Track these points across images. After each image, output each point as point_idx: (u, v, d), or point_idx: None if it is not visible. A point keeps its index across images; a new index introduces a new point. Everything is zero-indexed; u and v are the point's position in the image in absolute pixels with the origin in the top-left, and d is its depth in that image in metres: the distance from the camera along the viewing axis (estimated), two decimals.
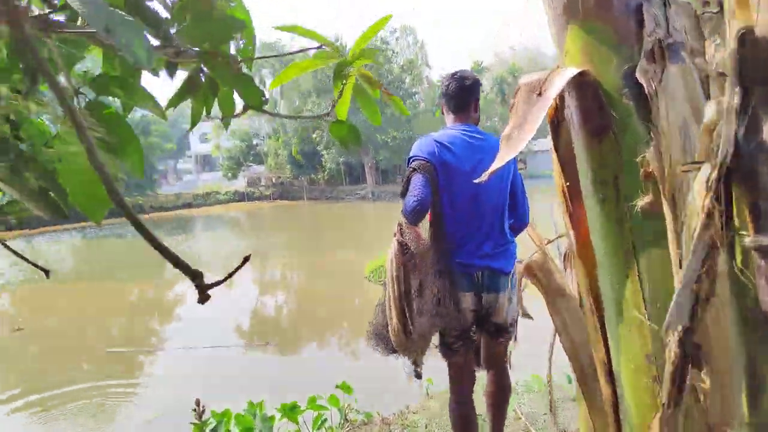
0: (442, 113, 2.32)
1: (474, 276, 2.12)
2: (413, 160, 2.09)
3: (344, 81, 1.33)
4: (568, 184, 1.14)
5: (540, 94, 1.04)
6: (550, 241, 1.22)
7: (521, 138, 1.05)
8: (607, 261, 1.00)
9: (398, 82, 32.05)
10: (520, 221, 2.30)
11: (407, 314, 2.05)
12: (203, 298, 0.65)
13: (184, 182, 50.84)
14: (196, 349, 6.01)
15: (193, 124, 1.18)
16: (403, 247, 2.09)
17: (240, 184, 41.06)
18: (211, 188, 38.41)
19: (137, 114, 29.38)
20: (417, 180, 2.01)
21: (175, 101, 1.12)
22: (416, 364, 2.23)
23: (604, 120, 0.98)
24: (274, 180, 39.01)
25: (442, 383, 3.78)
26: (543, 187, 38.66)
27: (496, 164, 1.08)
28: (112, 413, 4.57)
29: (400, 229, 2.11)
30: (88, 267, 13.61)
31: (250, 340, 6.49)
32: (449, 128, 2.22)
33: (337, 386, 3.22)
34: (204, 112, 1.18)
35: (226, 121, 1.24)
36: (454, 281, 2.07)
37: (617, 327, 1.00)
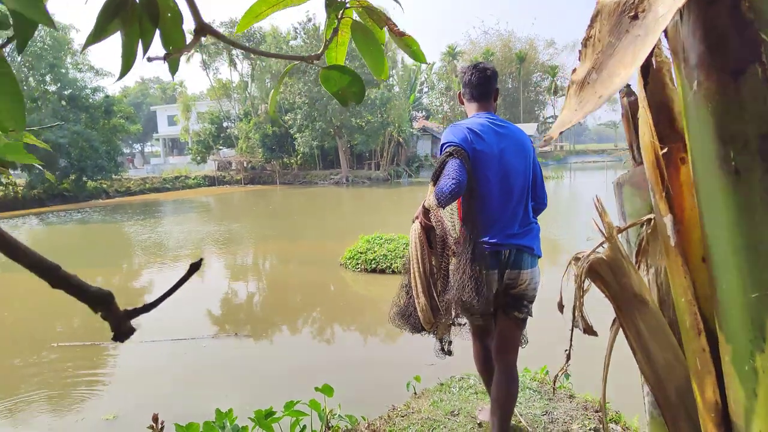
0: (461, 103, 2.43)
1: (502, 254, 2.23)
2: (447, 146, 2.15)
3: (339, 14, 0.96)
4: (665, 149, 0.81)
5: (636, 16, 0.71)
6: (621, 230, 0.89)
7: (609, 82, 0.71)
8: (740, 261, 0.68)
9: None
10: (540, 203, 2.42)
11: (433, 293, 2.20)
12: (121, 334, 0.49)
13: (151, 166, 49.32)
14: (157, 342, 5.60)
15: (126, 66, 0.81)
16: (426, 229, 2.22)
17: (210, 168, 40.03)
18: (179, 172, 37.33)
19: (99, 95, 28.22)
20: (453, 164, 2.07)
21: (97, 33, 0.75)
22: (442, 341, 2.39)
23: (745, 49, 0.65)
24: (245, 164, 38.11)
25: (429, 381, 3.49)
26: None
27: (562, 123, 0.76)
28: (60, 415, 4.15)
29: (425, 211, 2.20)
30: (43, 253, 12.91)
31: (221, 330, 6.09)
32: (476, 116, 2.31)
33: (317, 389, 2.89)
34: (141, 51, 0.81)
35: (173, 61, 0.87)
36: (485, 260, 2.16)
37: (750, 357, 0.68)
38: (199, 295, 7.93)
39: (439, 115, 46.02)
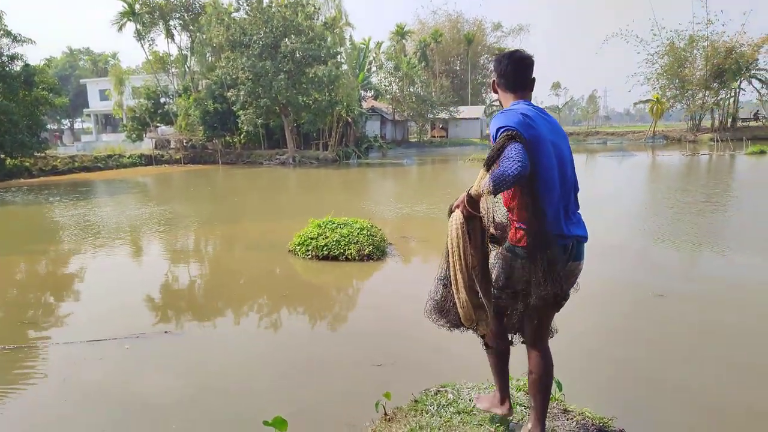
0: (495, 92, 2.38)
1: (568, 246, 2.22)
2: (504, 130, 2.05)
3: None
4: None
5: None
6: None
7: None
8: None
9: (320, 40, 30.24)
10: (576, 191, 2.36)
11: (476, 288, 2.17)
12: None
13: (82, 144, 46.14)
14: (74, 344, 4.80)
15: None
16: (468, 219, 2.15)
17: (146, 146, 37.77)
18: (113, 150, 34.98)
19: (17, 64, 25.70)
20: (515, 147, 1.96)
21: None
22: (483, 336, 2.37)
23: None
24: (184, 142, 36.15)
25: (400, 398, 2.97)
26: (467, 151, 38.55)
27: None
28: None
29: (470, 200, 2.11)
30: None
31: (153, 325, 5.33)
32: (517, 104, 2.25)
33: (266, 423, 2.30)
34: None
35: None
36: (555, 251, 2.14)
37: None
38: (127, 286, 7.07)
39: (388, 95, 45.34)
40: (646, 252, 8.20)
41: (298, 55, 29.33)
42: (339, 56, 34.07)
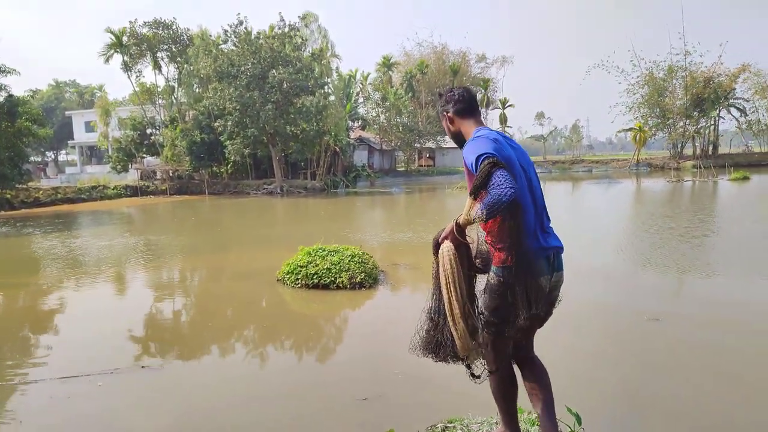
0: (451, 123, 2.45)
1: (550, 258, 2.27)
2: (485, 156, 2.06)
3: None
4: None
5: None
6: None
7: None
8: None
9: (307, 71, 30.45)
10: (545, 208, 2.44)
11: (473, 315, 2.20)
12: None
13: (66, 176, 45.56)
14: (42, 382, 4.46)
15: None
16: (458, 247, 2.19)
17: (132, 177, 37.36)
18: (97, 182, 34.49)
19: (0, 96, 25.43)
20: (502, 174, 1.97)
21: None
22: (470, 367, 2.35)
23: None
24: (171, 173, 35.83)
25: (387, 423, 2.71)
26: (454, 180, 38.82)
27: None
28: None
29: (458, 228, 2.15)
30: None
31: (132, 360, 4.99)
32: (484, 130, 2.32)
33: None
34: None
35: None
36: (540, 267, 2.21)
37: None
38: (106, 320, 6.71)
39: (376, 125, 45.62)
40: (635, 276, 8.07)
41: (285, 85, 29.45)
42: (326, 87, 34.31)
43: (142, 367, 4.80)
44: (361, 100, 49.46)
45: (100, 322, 6.56)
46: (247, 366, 4.98)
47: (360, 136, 45.06)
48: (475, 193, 2.00)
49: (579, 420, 2.63)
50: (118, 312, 7.20)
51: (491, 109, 61.42)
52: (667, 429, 3.43)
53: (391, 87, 47.53)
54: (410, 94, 49.07)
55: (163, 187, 34.87)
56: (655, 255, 9.46)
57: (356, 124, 46.84)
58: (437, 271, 2.25)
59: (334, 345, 5.73)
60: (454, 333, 2.14)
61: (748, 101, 44.81)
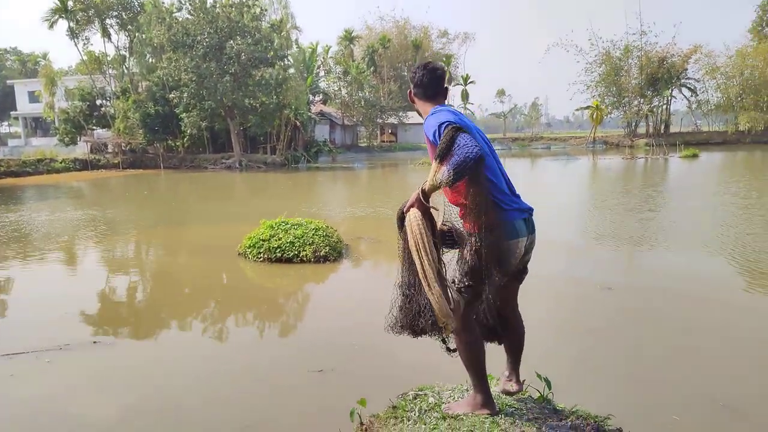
0: (412, 101, 2.50)
1: (528, 219, 2.32)
2: (447, 124, 2.11)
3: None
4: None
5: None
6: None
7: None
8: None
9: (267, 42, 29.55)
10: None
11: (446, 280, 2.22)
12: None
13: (9, 148, 43.10)
14: None
15: None
16: (425, 214, 2.19)
17: (81, 150, 35.67)
18: (43, 155, 32.77)
19: None
20: (465, 136, 2.03)
21: None
22: (445, 341, 2.37)
23: None
24: (123, 146, 34.39)
25: (376, 405, 2.66)
26: (416, 156, 38.91)
27: None
28: None
29: (423, 195, 2.16)
30: None
31: (83, 336, 4.76)
32: (439, 107, 2.36)
33: None
34: None
35: None
36: (517, 229, 2.25)
37: None
38: (55, 295, 6.39)
39: (338, 100, 44.96)
40: (590, 249, 8.29)
41: (243, 56, 28.50)
42: (286, 59, 33.43)
43: (94, 342, 4.59)
44: (322, 73, 48.53)
45: (49, 299, 6.23)
46: (204, 341, 4.83)
47: (321, 110, 44.34)
48: (441, 157, 2.03)
49: (549, 385, 2.64)
50: (68, 288, 6.88)
51: (453, 86, 61.45)
52: (619, 390, 3.54)
53: (353, 61, 46.80)
54: (372, 69, 48.48)
55: (116, 161, 33.47)
56: (608, 229, 9.73)
57: (317, 98, 46.01)
58: (406, 241, 2.23)
59: (294, 318, 5.64)
60: (431, 298, 2.12)
61: (698, 81, 46.37)
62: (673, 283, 6.16)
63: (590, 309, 5.37)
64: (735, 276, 6.61)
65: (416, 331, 2.28)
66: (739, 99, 42.73)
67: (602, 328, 4.83)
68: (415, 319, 2.23)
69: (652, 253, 7.86)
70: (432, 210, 2.19)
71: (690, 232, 9.19)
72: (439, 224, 2.26)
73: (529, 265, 2.41)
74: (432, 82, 2.40)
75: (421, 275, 2.15)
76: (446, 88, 2.48)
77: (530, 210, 2.34)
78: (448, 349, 2.39)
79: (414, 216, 2.18)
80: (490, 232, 2.15)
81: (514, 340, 2.54)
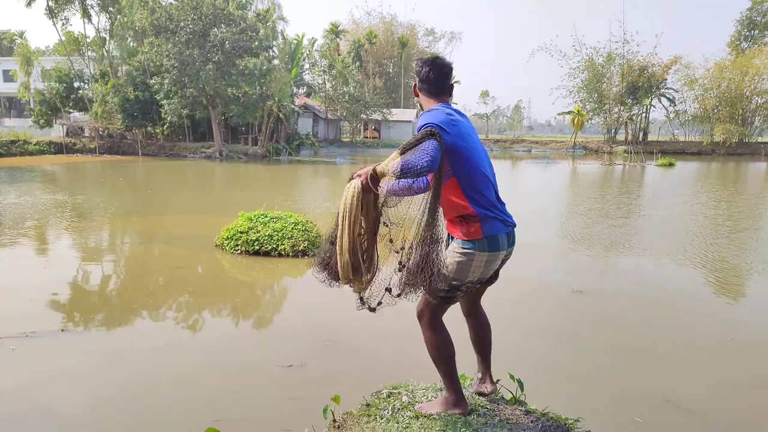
0: (416, 95, 2.46)
1: (509, 232, 2.34)
2: (428, 126, 2.13)
3: None
4: None
5: None
6: None
7: None
8: None
9: (252, 32, 29.22)
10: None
11: (359, 253, 2.26)
12: None
13: None
14: None
15: None
16: (365, 190, 2.21)
17: (57, 134, 34.86)
18: (17, 136, 31.94)
19: None
20: (432, 144, 2.03)
21: None
22: (362, 300, 2.39)
23: None
24: (100, 131, 33.71)
25: (349, 402, 2.66)
26: None
27: None
28: None
29: (372, 175, 2.16)
30: None
31: (56, 323, 4.66)
32: (439, 106, 2.33)
33: None
34: None
35: None
36: (501, 242, 2.27)
37: None
38: (23, 282, 6.24)
39: (322, 93, 44.71)
40: (564, 252, 8.42)
41: (228, 45, 28.16)
42: (271, 49, 33.11)
43: (62, 330, 4.49)
44: (307, 66, 48.21)
45: (16, 286, 6.08)
46: (174, 333, 4.75)
47: (305, 103, 44.04)
48: (404, 150, 2.07)
49: (521, 386, 2.68)
50: (35, 276, 6.71)
51: None
52: (584, 391, 3.61)
53: (339, 55, 46.57)
54: (357, 64, 48.35)
55: (92, 146, 32.81)
56: (582, 233, 9.88)
57: (301, 91, 45.71)
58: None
59: (268, 313, 5.60)
60: (339, 261, 2.24)
61: (677, 92, 47.29)
62: (639, 289, 6.33)
63: (562, 312, 5.45)
64: (697, 283, 6.79)
65: (325, 278, 2.41)
66: (716, 111, 43.71)
67: (572, 330, 4.91)
68: (325, 267, 2.39)
69: (621, 258, 8.01)
70: (378, 189, 2.19)
71: (658, 240, 9.39)
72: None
73: (507, 266, 2.44)
74: (438, 79, 2.37)
75: (338, 239, 2.23)
76: (451, 86, 2.45)
77: (514, 225, 2.36)
78: (370, 309, 2.38)
79: (354, 186, 2.21)
80: (488, 223, 2.23)
81: (481, 340, 2.57)
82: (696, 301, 5.96)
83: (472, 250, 2.22)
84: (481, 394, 2.58)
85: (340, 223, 2.23)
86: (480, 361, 2.59)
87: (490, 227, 2.22)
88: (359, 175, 2.22)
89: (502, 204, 2.36)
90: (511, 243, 2.36)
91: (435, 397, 2.58)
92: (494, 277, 2.43)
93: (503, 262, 2.39)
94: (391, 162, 2.07)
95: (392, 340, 4.48)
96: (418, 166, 1.97)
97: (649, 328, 4.98)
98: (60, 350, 4.18)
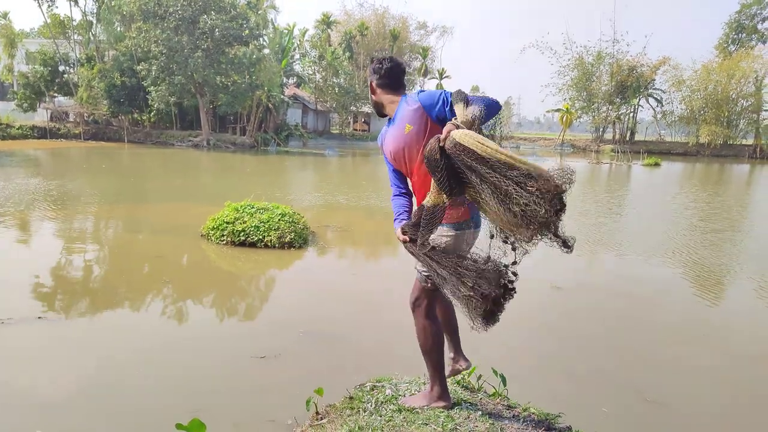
0: (373, 93, 2.47)
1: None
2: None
3: None
4: None
5: None
6: None
7: None
8: None
9: (242, 20, 28.89)
10: None
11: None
12: None
13: None
14: None
15: None
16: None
17: (41, 118, 34.26)
18: None
19: None
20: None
21: None
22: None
23: None
24: (86, 116, 33.18)
25: (333, 394, 2.66)
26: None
27: None
28: None
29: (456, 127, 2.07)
30: None
31: (33, 310, 4.59)
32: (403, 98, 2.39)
33: (180, 427, 1.90)
34: None
35: None
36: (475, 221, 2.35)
37: None
38: (4, 267, 6.14)
39: (312, 84, 44.42)
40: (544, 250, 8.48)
41: (217, 32, 27.80)
42: (262, 38, 32.76)
43: (39, 318, 4.43)
44: (297, 56, 47.82)
45: (4, 268, 5.99)
46: (154, 323, 4.70)
47: (294, 93, 43.72)
48: (465, 102, 2.11)
49: (504, 381, 2.69)
50: (12, 262, 6.61)
51: (429, 79, 61.51)
52: (561, 384, 3.65)
53: (330, 46, 46.24)
54: (348, 55, 48.05)
55: (77, 131, 32.30)
56: (566, 231, 9.97)
57: (291, 81, 45.35)
58: (448, 169, 2.02)
59: (252, 303, 5.58)
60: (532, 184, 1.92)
61: (665, 93, 47.76)
62: (615, 284, 6.51)
63: (541, 307, 5.52)
64: (672, 280, 6.91)
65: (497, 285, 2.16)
66: (702, 112, 44.22)
67: (550, 325, 4.99)
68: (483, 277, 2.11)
69: (601, 255, 8.12)
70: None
71: (637, 238, 9.53)
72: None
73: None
74: (397, 75, 2.45)
75: (509, 162, 1.97)
76: (405, 84, 2.52)
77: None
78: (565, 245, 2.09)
79: (461, 133, 1.99)
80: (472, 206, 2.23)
81: (449, 317, 2.59)
82: (671, 296, 6.10)
83: (461, 230, 2.27)
84: (457, 372, 2.62)
85: (501, 157, 1.95)
86: (449, 339, 2.60)
87: (473, 208, 2.26)
88: (446, 137, 2.01)
89: None
90: (478, 224, 2.40)
91: (419, 391, 2.59)
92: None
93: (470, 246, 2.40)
94: (465, 111, 2.09)
95: (371, 332, 4.49)
96: (498, 104, 2.23)
97: (625, 324, 5.09)
98: (35, 337, 4.12)
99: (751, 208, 15.45)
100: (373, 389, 2.59)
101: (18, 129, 30.25)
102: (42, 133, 31.28)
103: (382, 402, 2.44)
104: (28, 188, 12.36)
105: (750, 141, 44.59)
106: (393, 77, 2.43)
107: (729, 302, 6.21)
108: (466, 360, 2.61)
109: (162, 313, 4.97)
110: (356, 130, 50.89)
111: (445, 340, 2.51)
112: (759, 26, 46.07)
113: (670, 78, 46.22)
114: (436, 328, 2.37)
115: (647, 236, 9.79)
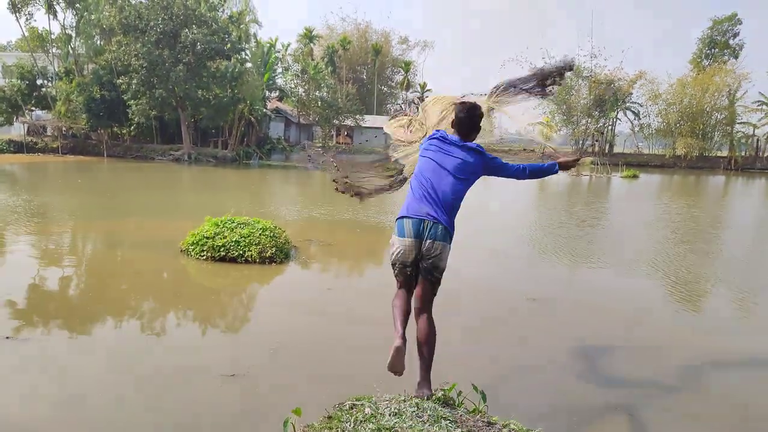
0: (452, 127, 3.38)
1: (419, 223, 2.90)
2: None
3: None
4: None
5: None
6: None
7: None
8: None
9: (224, 34, 28.87)
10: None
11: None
12: None
13: None
14: None
15: None
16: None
17: (17, 132, 33.73)
18: None
19: None
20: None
21: None
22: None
23: None
24: (64, 130, 32.73)
25: (310, 414, 2.61)
26: (371, 159, 38.94)
27: None
28: None
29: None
30: None
31: (7, 330, 4.45)
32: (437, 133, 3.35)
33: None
34: None
35: None
36: (401, 229, 3.01)
37: None
38: None
39: (294, 98, 44.46)
40: (523, 261, 8.55)
41: (199, 46, 27.77)
42: (244, 53, 32.78)
43: (6, 338, 4.30)
44: (279, 70, 47.88)
45: None
46: (131, 340, 4.58)
47: (277, 107, 43.71)
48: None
49: (484, 398, 2.68)
50: (5, 278, 6.44)
51: (411, 92, 62.01)
52: (534, 397, 3.64)
53: (312, 60, 46.41)
54: (331, 69, 48.26)
55: (54, 145, 31.83)
56: (544, 243, 10.06)
57: (273, 95, 45.35)
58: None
59: (229, 320, 5.48)
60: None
61: (642, 106, 48.82)
62: (588, 296, 6.58)
63: (516, 319, 5.54)
64: (643, 291, 7.00)
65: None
66: (678, 125, 45.25)
67: (526, 336, 4.99)
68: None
69: (577, 268, 8.21)
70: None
71: (612, 250, 9.67)
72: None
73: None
74: (460, 121, 3.33)
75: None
76: (479, 128, 3.47)
77: (421, 217, 2.81)
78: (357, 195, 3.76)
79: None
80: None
81: (424, 345, 2.78)
82: (643, 307, 6.17)
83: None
84: (418, 397, 2.70)
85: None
86: (420, 362, 2.79)
87: (400, 213, 2.91)
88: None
89: (430, 204, 2.84)
90: (418, 235, 2.82)
91: (399, 409, 2.56)
92: (428, 271, 2.82)
93: (425, 257, 2.80)
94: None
95: (339, 353, 4.44)
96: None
97: (599, 335, 5.14)
98: (2, 358, 3.99)
99: (728, 221, 15.77)
100: (352, 408, 2.55)
101: None
102: (18, 147, 30.76)
103: (361, 421, 2.40)
104: (1, 204, 12.09)
105: (725, 153, 45.68)
106: (458, 124, 3.35)
107: (702, 311, 6.30)
108: (430, 389, 2.74)
109: (135, 332, 4.85)
110: (339, 143, 50.91)
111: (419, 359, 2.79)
112: (731, 42, 47.49)
113: (647, 92, 47.29)
114: (398, 296, 2.88)
115: (623, 247, 9.92)
